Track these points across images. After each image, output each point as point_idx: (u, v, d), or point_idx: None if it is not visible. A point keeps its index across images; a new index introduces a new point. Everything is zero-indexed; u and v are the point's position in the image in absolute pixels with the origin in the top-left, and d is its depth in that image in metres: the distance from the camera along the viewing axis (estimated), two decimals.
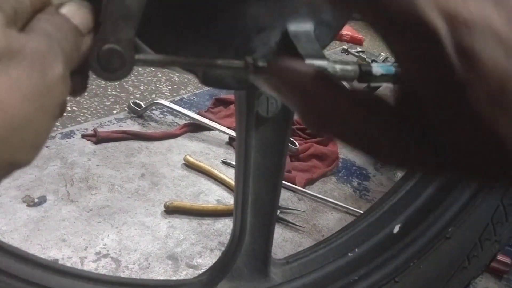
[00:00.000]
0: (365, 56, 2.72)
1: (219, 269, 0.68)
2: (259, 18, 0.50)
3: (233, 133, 1.45)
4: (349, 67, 0.48)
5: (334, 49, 2.72)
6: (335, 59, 0.44)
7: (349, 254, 0.72)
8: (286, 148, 0.64)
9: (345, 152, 1.62)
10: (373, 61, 2.51)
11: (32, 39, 0.24)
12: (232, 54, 0.52)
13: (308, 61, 0.45)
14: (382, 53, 2.94)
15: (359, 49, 2.93)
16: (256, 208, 0.65)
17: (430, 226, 0.71)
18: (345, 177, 1.47)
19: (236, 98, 0.62)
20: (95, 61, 0.33)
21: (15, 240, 0.87)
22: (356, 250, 0.72)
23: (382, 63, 0.51)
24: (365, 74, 0.51)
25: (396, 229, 0.73)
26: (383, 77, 0.54)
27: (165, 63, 0.42)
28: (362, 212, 1.26)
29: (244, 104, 0.59)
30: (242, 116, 0.60)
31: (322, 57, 0.46)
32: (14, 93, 0.23)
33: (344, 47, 2.72)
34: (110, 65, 0.34)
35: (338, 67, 0.47)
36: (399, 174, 1.58)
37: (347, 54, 2.62)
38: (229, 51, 0.51)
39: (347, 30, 3.02)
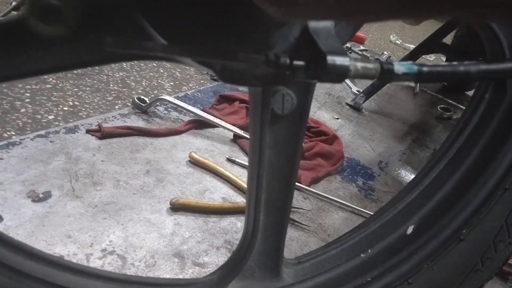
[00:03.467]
0: (368, 55, 2.71)
1: (230, 268, 0.67)
2: None
3: (238, 130, 1.43)
4: (370, 65, 0.47)
5: None
6: (356, 57, 0.43)
7: (362, 255, 0.71)
8: (300, 147, 0.63)
9: (349, 151, 1.61)
10: (376, 59, 2.51)
11: None
12: (251, 49, 0.50)
13: (330, 58, 0.44)
14: (385, 52, 2.93)
15: (362, 47, 2.92)
16: (269, 207, 0.64)
17: (444, 227, 0.70)
18: (350, 176, 1.46)
19: (251, 95, 0.61)
20: (31, 12, 0.32)
21: (20, 236, 0.86)
22: (369, 251, 0.72)
23: (404, 61, 0.50)
24: (386, 72, 0.50)
25: (410, 230, 0.72)
26: (405, 76, 0.54)
27: (187, 54, 0.41)
28: (367, 211, 1.26)
29: (259, 101, 0.58)
30: (257, 113, 0.59)
31: (344, 53, 0.45)
32: None
33: (347, 45, 2.71)
34: (46, 16, 0.33)
35: (359, 65, 0.46)
36: (404, 175, 1.57)
37: (350, 53, 2.61)
38: (248, 46, 0.50)
39: None
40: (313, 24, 0.51)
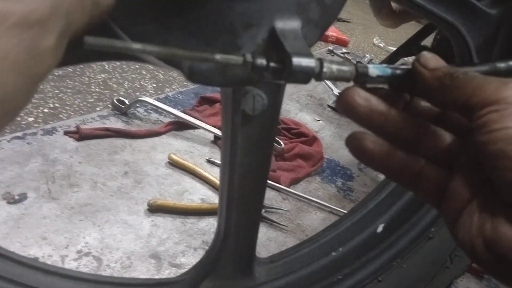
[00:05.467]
0: (350, 58, 2.74)
1: (203, 268, 0.68)
2: (247, 14, 0.49)
3: (218, 132, 1.44)
4: (345, 68, 0.48)
5: (319, 50, 2.73)
6: (332, 59, 0.43)
7: (333, 253, 0.73)
8: (271, 147, 0.64)
9: (329, 152, 1.62)
10: (358, 62, 2.54)
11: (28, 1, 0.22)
12: (218, 50, 0.51)
13: (296, 59, 0.45)
14: (367, 55, 2.96)
15: (344, 50, 2.95)
16: (241, 206, 0.65)
17: (413, 226, 0.71)
18: (330, 177, 1.47)
19: (222, 96, 0.61)
20: None
21: None
22: (340, 249, 0.73)
23: (378, 64, 0.51)
24: (361, 75, 0.51)
25: (380, 228, 0.73)
26: (379, 79, 0.54)
27: (160, 54, 0.41)
28: (346, 212, 1.27)
29: (230, 102, 0.59)
30: (228, 114, 0.60)
31: (310, 55, 0.46)
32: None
33: (330, 48, 2.73)
34: None
35: (334, 67, 0.47)
36: (382, 175, 1.59)
37: (332, 55, 2.64)
38: (216, 47, 0.50)
39: (333, 31, 3.03)
40: (280, 26, 0.52)
